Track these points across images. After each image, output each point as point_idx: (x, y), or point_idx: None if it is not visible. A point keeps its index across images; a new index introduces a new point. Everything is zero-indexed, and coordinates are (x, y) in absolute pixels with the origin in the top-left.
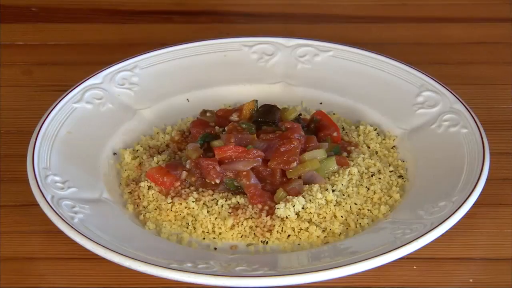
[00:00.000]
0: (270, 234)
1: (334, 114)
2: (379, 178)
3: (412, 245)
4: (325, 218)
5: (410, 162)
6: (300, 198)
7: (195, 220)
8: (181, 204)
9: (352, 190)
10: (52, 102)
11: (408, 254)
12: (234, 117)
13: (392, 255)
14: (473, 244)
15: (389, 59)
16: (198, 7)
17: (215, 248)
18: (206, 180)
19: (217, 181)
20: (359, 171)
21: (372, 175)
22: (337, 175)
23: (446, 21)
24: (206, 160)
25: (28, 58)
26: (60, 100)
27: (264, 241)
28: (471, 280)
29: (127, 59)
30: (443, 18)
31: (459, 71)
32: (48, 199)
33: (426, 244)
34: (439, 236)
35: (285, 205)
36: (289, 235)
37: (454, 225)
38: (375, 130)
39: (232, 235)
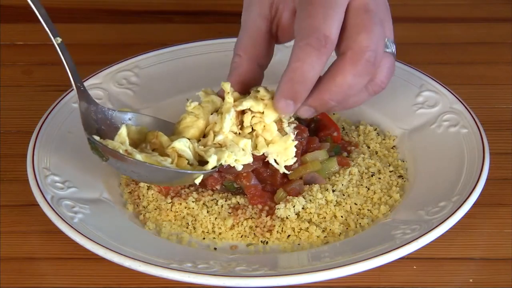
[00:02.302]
0: (270, 234)
1: (334, 114)
2: (379, 178)
3: (412, 245)
4: (325, 218)
5: (410, 162)
6: (300, 198)
7: (195, 220)
8: (180, 204)
9: (352, 190)
10: (52, 102)
11: (408, 254)
12: None
13: (392, 255)
14: (473, 244)
15: None
16: (198, 7)
17: (215, 248)
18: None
19: (217, 187)
20: (359, 171)
21: (372, 175)
22: (337, 175)
23: (446, 21)
24: None
25: (28, 58)
26: (60, 100)
27: (264, 241)
28: (471, 280)
29: (127, 59)
30: (443, 18)
31: (459, 71)
32: (48, 199)
33: (426, 244)
34: (439, 236)
35: (285, 206)
36: (289, 235)
37: (454, 225)
38: (375, 130)
39: (232, 235)
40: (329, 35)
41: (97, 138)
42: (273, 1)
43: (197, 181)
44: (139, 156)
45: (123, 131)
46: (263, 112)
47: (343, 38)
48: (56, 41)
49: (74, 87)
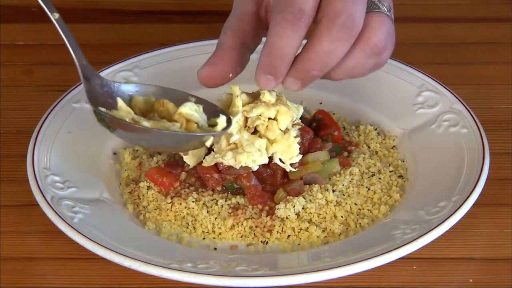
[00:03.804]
0: (270, 234)
1: (334, 114)
2: (379, 178)
3: (412, 245)
4: (325, 218)
5: (410, 162)
6: (300, 198)
7: (195, 220)
8: (180, 204)
9: (353, 190)
10: (52, 102)
11: (408, 254)
12: None
13: (392, 255)
14: (473, 244)
15: (389, 59)
16: (198, 7)
17: (215, 248)
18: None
19: (218, 188)
20: (360, 171)
21: (372, 175)
22: (338, 176)
23: (446, 21)
24: (204, 169)
25: (28, 58)
26: (60, 100)
27: (264, 241)
28: (471, 280)
29: (127, 59)
30: (443, 18)
31: (459, 71)
32: (48, 199)
33: (426, 244)
34: (439, 236)
35: (285, 206)
36: (289, 235)
37: (454, 225)
38: (375, 130)
39: (232, 235)
40: (304, 8)
41: (103, 109)
42: None
43: (208, 143)
44: (146, 123)
45: (121, 103)
46: (274, 118)
47: (320, 7)
48: (53, 17)
49: (76, 61)
